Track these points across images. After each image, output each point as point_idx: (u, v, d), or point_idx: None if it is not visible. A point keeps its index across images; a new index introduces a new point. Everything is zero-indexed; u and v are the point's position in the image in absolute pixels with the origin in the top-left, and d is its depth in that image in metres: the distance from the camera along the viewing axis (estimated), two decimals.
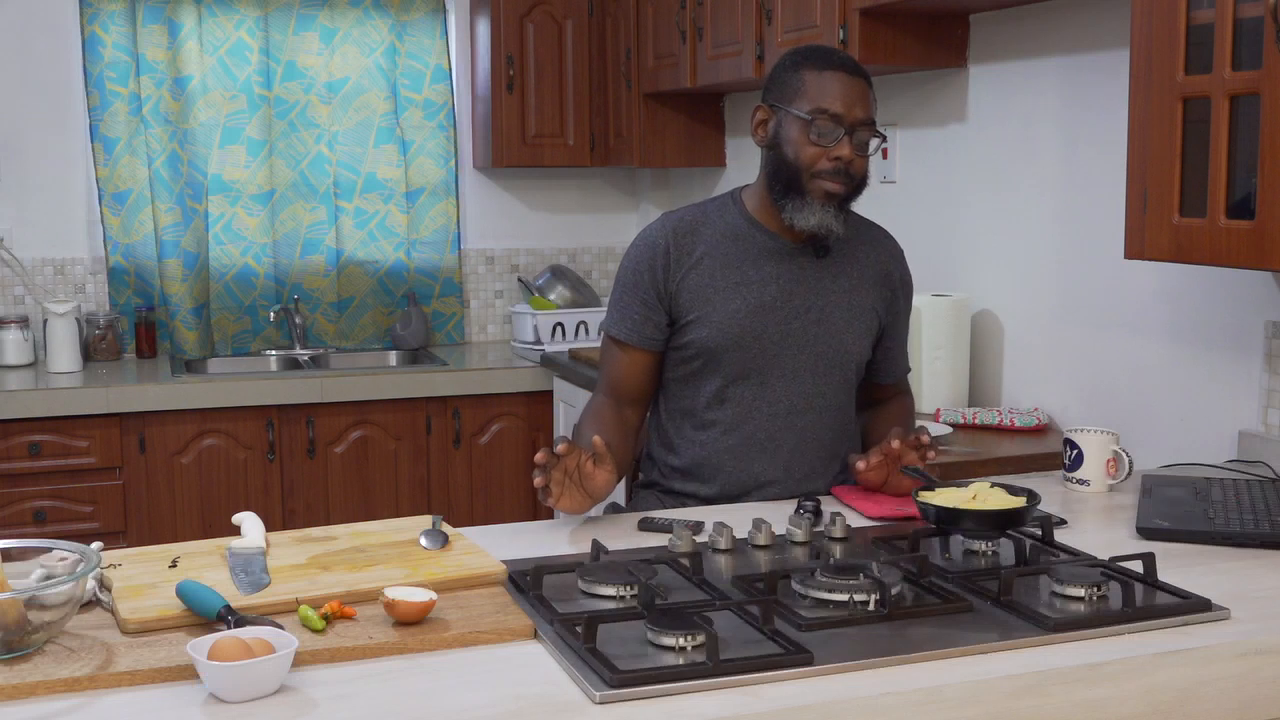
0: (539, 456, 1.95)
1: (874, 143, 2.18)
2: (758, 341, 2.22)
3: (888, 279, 2.34)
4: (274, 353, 4.49)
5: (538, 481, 1.95)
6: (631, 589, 1.62)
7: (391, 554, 1.77)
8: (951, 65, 3.22)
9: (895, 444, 2.08)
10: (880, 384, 2.42)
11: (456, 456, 4.20)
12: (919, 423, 2.29)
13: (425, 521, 1.91)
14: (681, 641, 1.43)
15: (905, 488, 2.11)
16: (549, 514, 4.23)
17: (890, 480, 2.13)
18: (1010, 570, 1.68)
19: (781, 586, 1.64)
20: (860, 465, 2.12)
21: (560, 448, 1.94)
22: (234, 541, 1.76)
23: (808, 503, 2.06)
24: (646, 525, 2.02)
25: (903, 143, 3.50)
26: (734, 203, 2.30)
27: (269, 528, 1.84)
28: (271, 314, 4.44)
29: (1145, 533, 1.93)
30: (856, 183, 2.18)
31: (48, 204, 4.30)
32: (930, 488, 1.94)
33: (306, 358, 4.47)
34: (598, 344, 2.11)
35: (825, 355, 2.26)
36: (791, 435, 2.26)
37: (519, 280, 4.79)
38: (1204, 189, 2.03)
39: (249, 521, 1.82)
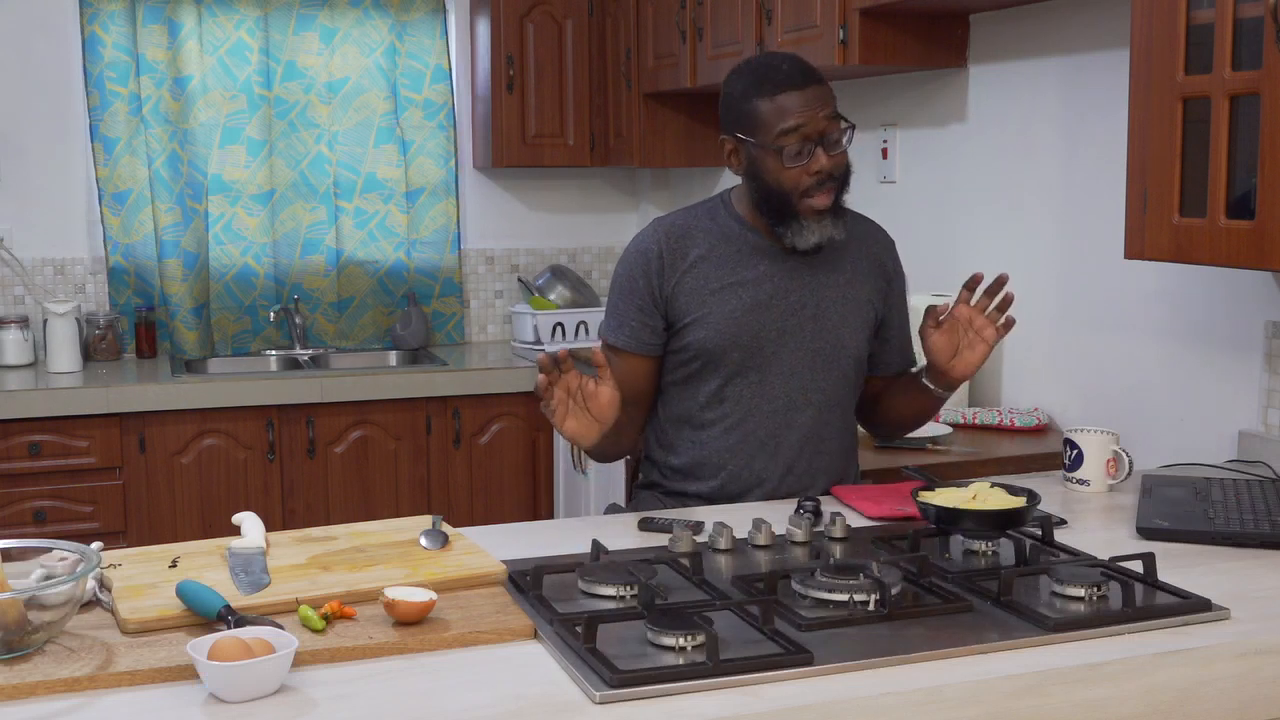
0: (541, 358, 1.95)
1: (846, 135, 2.16)
2: (755, 340, 2.22)
3: (881, 270, 2.34)
4: (274, 353, 4.49)
5: (541, 380, 1.95)
6: (631, 589, 1.62)
7: (391, 554, 1.77)
8: (951, 65, 3.22)
9: (963, 309, 2.12)
10: (886, 377, 2.42)
11: (456, 456, 4.20)
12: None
13: (425, 521, 1.91)
14: (681, 641, 1.43)
15: (973, 362, 2.15)
16: (549, 514, 4.23)
17: (961, 353, 2.15)
18: (1010, 570, 1.68)
19: (781, 586, 1.64)
20: (936, 315, 2.13)
21: (560, 352, 1.95)
22: (234, 541, 1.76)
23: (808, 503, 2.06)
24: (646, 525, 2.02)
25: (903, 143, 3.50)
26: (724, 205, 2.30)
27: (269, 528, 1.84)
28: (271, 314, 4.44)
29: (1145, 533, 1.93)
30: (841, 179, 2.18)
31: (48, 204, 4.30)
32: (930, 488, 1.95)
33: (306, 358, 4.47)
34: (597, 345, 2.10)
35: (823, 351, 2.26)
36: (791, 432, 2.26)
37: (519, 280, 4.79)
38: (1204, 189, 2.03)
39: (249, 521, 1.82)
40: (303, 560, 1.74)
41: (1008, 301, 2.14)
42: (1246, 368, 2.47)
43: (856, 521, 2.04)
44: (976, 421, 2.97)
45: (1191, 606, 1.59)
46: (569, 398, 1.99)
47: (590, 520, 2.05)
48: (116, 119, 4.26)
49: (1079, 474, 2.23)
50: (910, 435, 2.68)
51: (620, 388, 2.28)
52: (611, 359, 2.30)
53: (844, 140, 2.16)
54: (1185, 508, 2.02)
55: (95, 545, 1.64)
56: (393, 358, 4.57)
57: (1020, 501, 1.86)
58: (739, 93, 2.19)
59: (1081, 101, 2.87)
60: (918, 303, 3.05)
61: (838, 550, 1.88)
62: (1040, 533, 1.86)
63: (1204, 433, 2.56)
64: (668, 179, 4.88)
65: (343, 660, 1.45)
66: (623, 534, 1.98)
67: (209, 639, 1.36)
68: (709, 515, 2.06)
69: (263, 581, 1.64)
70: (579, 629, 1.46)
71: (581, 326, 4.44)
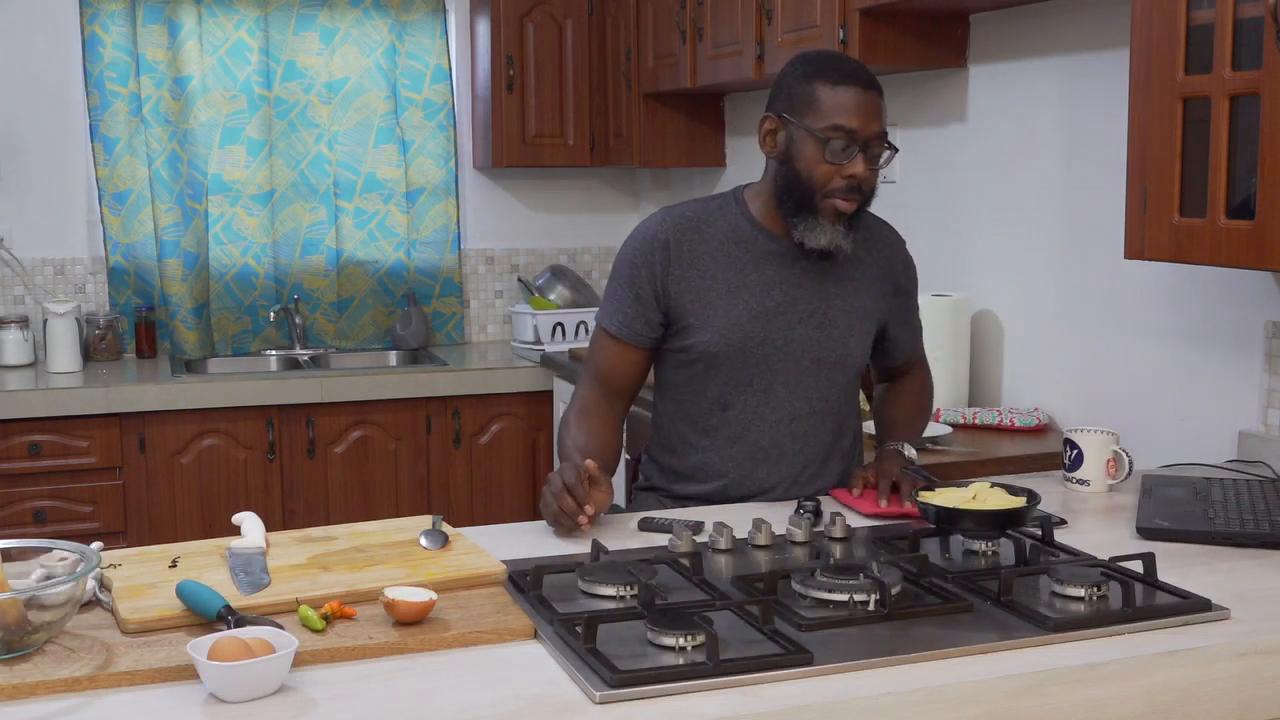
0: (568, 505, 1.94)
1: (886, 155, 2.14)
2: (760, 347, 2.20)
3: (890, 273, 2.32)
4: (274, 353, 4.50)
5: (583, 523, 1.95)
6: (631, 589, 1.62)
7: (391, 554, 1.77)
8: (951, 65, 3.22)
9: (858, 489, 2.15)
10: (892, 366, 2.43)
11: (456, 456, 4.20)
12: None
13: (425, 521, 1.91)
14: (681, 641, 1.43)
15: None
16: None
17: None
18: (1010, 570, 1.68)
19: (781, 586, 1.64)
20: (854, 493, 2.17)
21: (582, 501, 1.95)
22: (234, 541, 1.76)
23: (808, 503, 2.06)
24: (646, 525, 2.02)
25: (903, 143, 3.49)
26: (736, 203, 2.26)
27: (269, 528, 1.84)
28: (271, 314, 4.44)
29: (1145, 533, 1.93)
30: (866, 197, 2.15)
31: (48, 204, 4.30)
32: (930, 488, 1.94)
33: (306, 358, 4.47)
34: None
35: (828, 360, 2.24)
36: (795, 441, 2.25)
37: (519, 280, 4.79)
38: (1204, 189, 2.03)
39: (249, 521, 1.82)
40: (303, 560, 1.74)
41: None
42: (1246, 368, 2.47)
43: (856, 521, 2.03)
44: (976, 421, 2.97)
45: (1191, 606, 1.59)
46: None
47: None
48: (116, 119, 4.26)
49: (1079, 474, 2.23)
50: None
51: (609, 376, 2.28)
52: (604, 343, 2.29)
53: (883, 159, 2.13)
54: (1185, 508, 2.02)
55: (95, 545, 1.63)
56: (393, 358, 4.57)
57: (1020, 501, 1.86)
58: (801, 73, 2.15)
59: (1081, 101, 2.86)
60: (919, 302, 3.06)
61: (838, 550, 1.88)
62: (1040, 533, 1.86)
63: (1204, 433, 2.56)
64: (668, 179, 4.88)
65: (343, 660, 1.45)
66: (623, 534, 1.98)
67: (209, 639, 1.36)
68: (709, 515, 2.06)
69: (263, 581, 1.64)
70: (579, 629, 1.46)
71: (581, 326, 4.44)
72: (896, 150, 2.17)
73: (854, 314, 2.25)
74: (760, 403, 2.23)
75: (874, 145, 2.11)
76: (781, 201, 2.17)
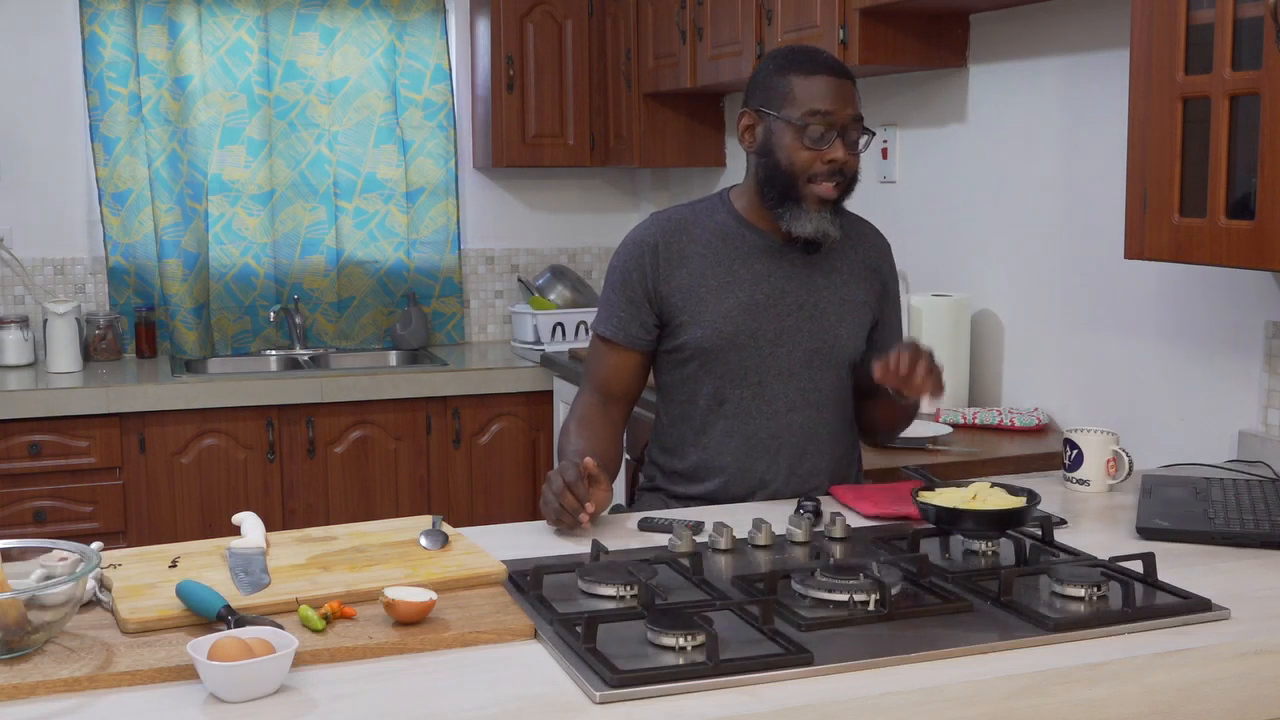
0: (569, 502, 1.93)
1: (864, 140, 2.17)
2: (753, 341, 2.22)
3: (876, 272, 2.34)
4: (274, 353, 4.50)
5: (584, 521, 1.95)
6: (631, 589, 1.62)
7: (391, 554, 1.77)
8: (951, 65, 3.22)
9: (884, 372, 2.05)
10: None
11: (456, 456, 4.20)
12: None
13: (425, 521, 1.91)
14: (681, 641, 1.43)
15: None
16: None
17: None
18: (1010, 570, 1.68)
19: (781, 586, 1.64)
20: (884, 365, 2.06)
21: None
22: (234, 541, 1.76)
23: (808, 503, 2.06)
24: (646, 525, 2.02)
25: (903, 143, 3.50)
26: (723, 203, 2.29)
27: (269, 528, 1.84)
28: (271, 314, 4.44)
29: (1145, 533, 1.93)
30: (849, 182, 2.18)
31: (48, 204, 4.30)
32: (930, 488, 1.94)
33: (306, 358, 4.47)
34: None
35: (820, 351, 2.25)
36: (792, 434, 2.25)
37: (519, 280, 4.79)
38: (1204, 189, 2.03)
39: (249, 521, 1.82)
40: (303, 560, 1.74)
41: (924, 375, 2.04)
42: (1246, 368, 2.47)
43: (856, 521, 2.03)
44: (976, 421, 2.97)
45: (1191, 606, 1.59)
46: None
47: None
48: (116, 119, 4.26)
49: (1079, 474, 2.23)
50: (910, 435, 2.69)
51: (607, 383, 2.30)
52: (601, 349, 2.30)
53: (861, 144, 2.17)
54: (1185, 508, 2.02)
55: (95, 545, 1.63)
56: (393, 358, 4.57)
57: (1020, 501, 1.86)
58: (774, 68, 2.19)
59: (1081, 101, 2.87)
60: (918, 302, 3.06)
61: (838, 550, 1.88)
62: (1040, 533, 1.86)
63: (1204, 433, 2.56)
64: (668, 179, 4.88)
65: (343, 660, 1.45)
66: (623, 534, 1.98)
67: (209, 639, 1.36)
68: (709, 515, 2.06)
69: (263, 581, 1.64)
70: (579, 629, 1.46)
71: (581, 327, 4.44)
72: (873, 134, 2.19)
73: (845, 305, 2.27)
74: (755, 396, 2.24)
75: (851, 130, 2.15)
76: (764, 194, 2.20)
